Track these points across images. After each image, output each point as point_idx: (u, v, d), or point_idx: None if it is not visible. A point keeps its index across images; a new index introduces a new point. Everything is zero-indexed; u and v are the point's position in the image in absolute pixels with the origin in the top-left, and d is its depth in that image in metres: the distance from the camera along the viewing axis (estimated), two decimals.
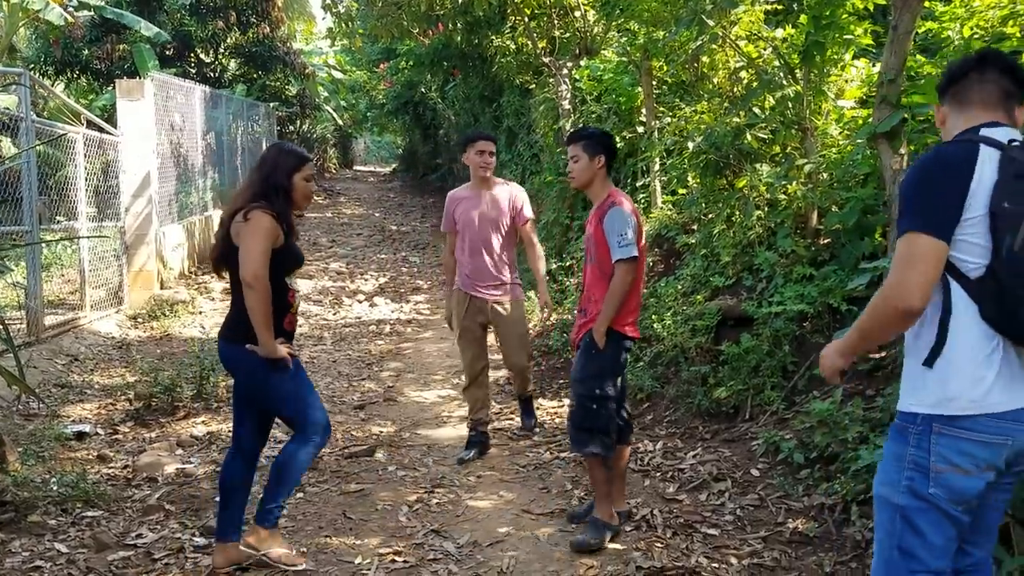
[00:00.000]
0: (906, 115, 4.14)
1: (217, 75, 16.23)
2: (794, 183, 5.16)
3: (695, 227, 6.23)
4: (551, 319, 4.84)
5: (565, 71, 9.24)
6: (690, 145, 5.89)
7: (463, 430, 5.21)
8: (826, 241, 4.95)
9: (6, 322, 4.71)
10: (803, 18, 5.07)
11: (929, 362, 2.02)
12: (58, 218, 8.25)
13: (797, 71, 5.21)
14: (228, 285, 3.46)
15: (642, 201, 7.18)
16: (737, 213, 5.50)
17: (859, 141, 4.74)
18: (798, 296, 4.60)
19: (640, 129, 7.47)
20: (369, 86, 23.08)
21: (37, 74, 13.45)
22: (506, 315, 4.92)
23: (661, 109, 7.21)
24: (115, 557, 3.53)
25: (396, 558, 3.54)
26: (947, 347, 2.01)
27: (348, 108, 24.52)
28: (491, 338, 5.18)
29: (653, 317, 5.53)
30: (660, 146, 6.75)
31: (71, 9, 13.44)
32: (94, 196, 8.87)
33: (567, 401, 5.83)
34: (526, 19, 10.00)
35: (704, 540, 3.59)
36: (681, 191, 6.86)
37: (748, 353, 4.66)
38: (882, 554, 2.13)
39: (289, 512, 4.05)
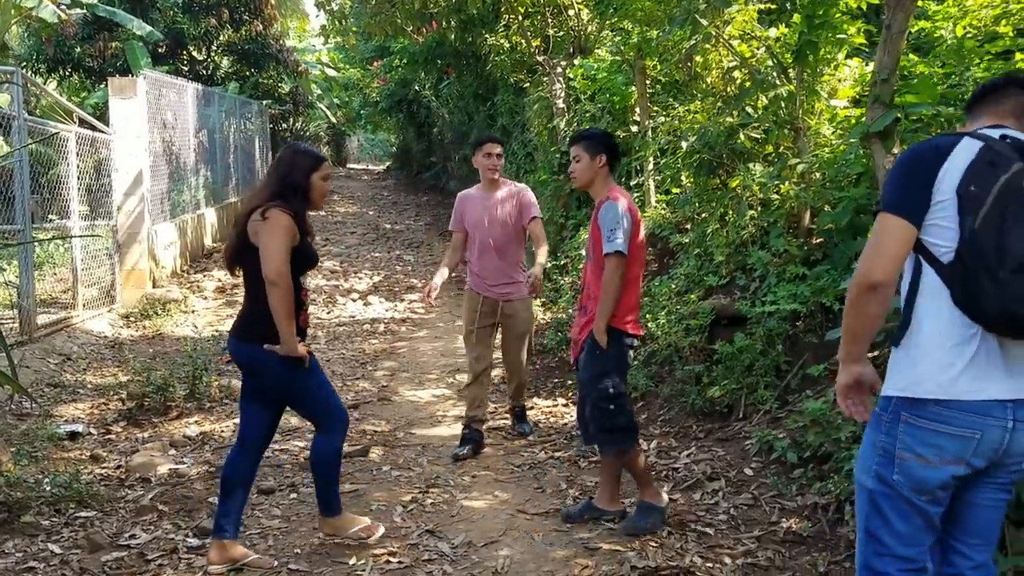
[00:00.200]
0: (899, 114, 4.15)
1: (210, 73, 16.19)
2: (787, 183, 5.16)
3: (688, 226, 6.24)
4: (533, 290, 4.88)
5: (559, 70, 9.24)
6: (683, 144, 5.90)
7: (458, 429, 5.21)
8: (819, 241, 4.96)
9: None
10: (796, 17, 5.07)
11: (896, 340, 2.06)
12: (50, 217, 8.22)
13: (790, 70, 5.22)
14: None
15: (636, 200, 7.17)
16: (730, 212, 5.50)
17: (852, 141, 4.75)
18: (791, 295, 4.62)
19: (634, 128, 7.48)
20: (362, 84, 23.04)
21: (29, 72, 13.40)
22: (514, 312, 5.02)
23: (655, 108, 7.22)
24: (108, 558, 3.52)
25: (391, 559, 3.53)
26: (917, 330, 2.03)
27: (341, 106, 24.48)
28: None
29: (647, 316, 5.54)
30: (654, 145, 6.76)
31: (63, 7, 13.37)
32: (86, 194, 8.84)
33: (561, 400, 5.86)
34: (520, 17, 9.99)
35: (698, 539, 3.59)
36: (675, 190, 6.87)
37: (742, 352, 4.67)
38: (858, 536, 2.19)
39: (282, 513, 4.05)
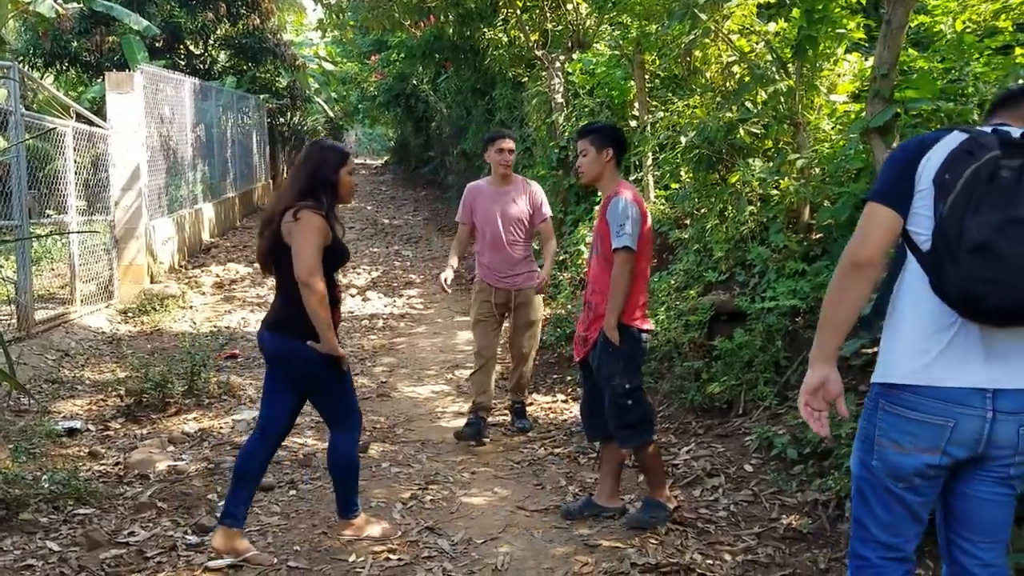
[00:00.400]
0: (899, 110, 4.14)
1: (207, 67, 16.12)
2: (786, 178, 5.16)
3: (688, 222, 6.23)
4: (539, 288, 5.06)
5: (558, 64, 9.21)
6: (683, 139, 5.89)
7: (457, 425, 5.25)
8: (818, 236, 4.95)
9: None
10: (795, 12, 5.06)
11: (866, 324, 2.15)
12: (48, 212, 8.19)
13: (789, 65, 5.21)
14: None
15: None
16: (730, 208, 5.50)
17: (852, 136, 4.74)
18: (791, 291, 4.61)
19: (633, 123, 7.46)
20: (360, 78, 22.96)
21: (26, 67, 13.34)
22: (527, 301, 5.10)
23: (654, 103, 7.21)
24: (107, 555, 3.51)
25: (390, 556, 3.53)
26: (898, 318, 2.07)
27: (339, 100, 24.39)
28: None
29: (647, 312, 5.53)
30: (653, 140, 6.74)
31: (60, 1, 13.32)
32: (84, 190, 8.82)
33: (560, 396, 5.85)
34: (518, 12, 9.96)
35: (698, 536, 3.59)
36: (674, 185, 6.86)
37: (741, 348, 4.67)
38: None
39: (282, 510, 4.04)
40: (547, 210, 5.17)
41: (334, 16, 12.43)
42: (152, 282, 9.46)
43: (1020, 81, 4.19)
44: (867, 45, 5.61)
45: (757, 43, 5.73)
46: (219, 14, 15.22)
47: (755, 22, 5.72)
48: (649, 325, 3.82)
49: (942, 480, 2.08)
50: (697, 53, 6.61)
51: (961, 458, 2.02)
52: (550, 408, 5.66)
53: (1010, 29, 4.82)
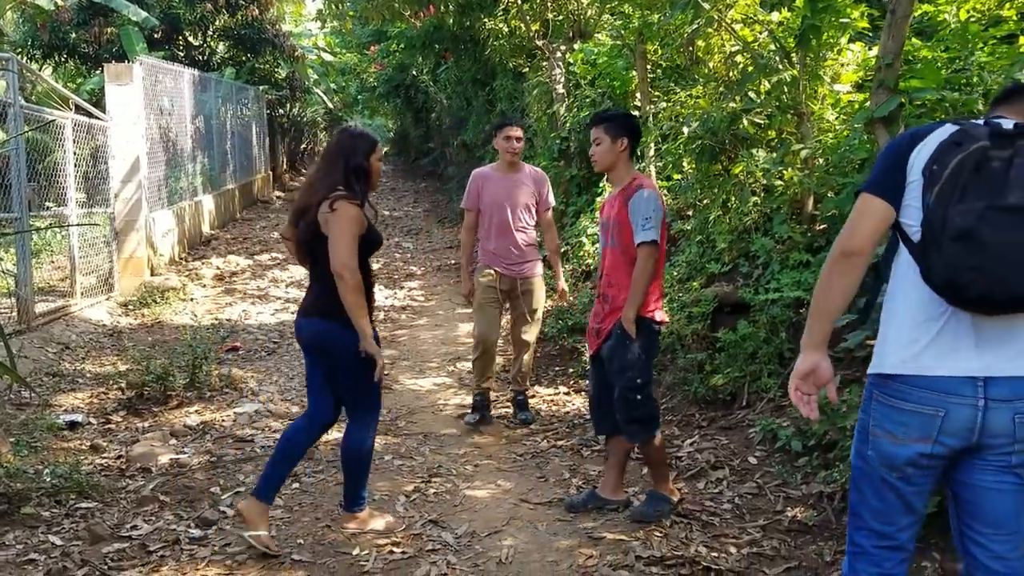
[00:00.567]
0: (903, 99, 4.11)
1: (206, 58, 16.05)
2: (790, 168, 5.12)
3: (690, 213, 6.21)
4: (564, 299, 5.43)
5: (559, 54, 9.16)
6: (685, 130, 5.85)
7: (461, 416, 5.28)
8: (822, 227, 4.92)
9: None
10: (799, 1, 5.02)
11: (863, 317, 2.19)
12: (47, 204, 8.16)
13: (793, 55, 5.17)
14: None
15: None
16: (733, 199, 5.47)
17: (856, 126, 4.71)
18: (795, 282, 4.59)
19: (635, 114, 7.41)
20: (359, 69, 22.87)
21: (25, 58, 13.27)
22: (531, 289, 5.14)
23: (656, 93, 7.17)
24: (110, 549, 3.50)
25: (394, 549, 3.52)
26: (889, 306, 2.11)
27: (338, 91, 24.30)
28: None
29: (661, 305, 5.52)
30: (655, 131, 6.70)
31: None
32: (83, 182, 8.78)
33: (563, 389, 5.83)
34: (519, 1, 9.90)
35: (703, 529, 3.58)
36: (676, 176, 6.82)
37: (745, 340, 4.65)
38: None
39: (285, 503, 4.03)
40: (551, 199, 5.25)
41: (333, 6, 12.39)
42: (152, 274, 9.43)
43: None
44: (871, 34, 5.57)
45: (760, 32, 5.69)
46: (218, 5, 15.14)
47: (758, 11, 5.67)
48: (664, 318, 3.81)
49: (938, 471, 2.08)
50: (700, 43, 6.57)
51: (957, 447, 2.02)
52: (552, 400, 5.64)
53: (1015, 18, 4.78)
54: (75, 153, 8.20)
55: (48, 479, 4.04)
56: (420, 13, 12.07)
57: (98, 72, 12.33)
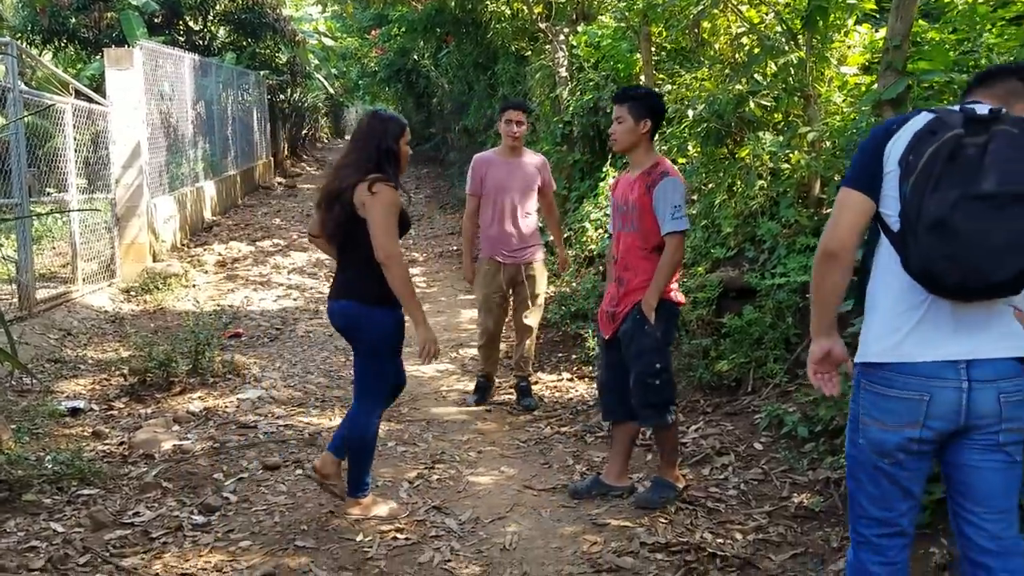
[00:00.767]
0: (911, 82, 4.07)
1: (206, 43, 15.94)
2: (797, 152, 5.07)
3: (696, 197, 6.15)
4: (567, 269, 5.60)
5: (562, 37, 9.08)
6: (690, 113, 5.79)
7: (463, 403, 5.28)
8: (829, 211, 4.86)
9: None
10: None
11: (857, 302, 2.21)
12: (48, 190, 8.12)
13: (800, 36, 5.11)
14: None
15: None
16: (739, 183, 5.42)
17: (863, 108, 4.65)
18: (801, 267, 4.54)
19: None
20: (360, 53, 22.73)
21: (24, 43, 13.20)
22: (533, 274, 5.14)
23: (661, 76, 7.10)
24: (112, 536, 3.48)
25: (398, 535, 3.50)
26: (872, 296, 2.15)
27: (339, 76, 24.17)
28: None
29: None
30: None
31: None
32: (84, 167, 8.73)
33: (566, 375, 5.80)
34: None
35: (708, 515, 3.56)
36: (681, 160, 6.75)
37: (750, 325, 4.61)
38: None
39: (288, 489, 4.01)
40: (552, 183, 5.27)
41: None
42: (154, 261, 9.40)
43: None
44: (878, 16, 5.51)
45: (767, 14, 5.62)
46: None
47: None
48: (682, 298, 3.77)
49: (929, 454, 2.11)
50: (705, 24, 6.50)
51: (945, 430, 2.06)
52: (556, 387, 5.61)
53: None
54: (75, 139, 8.14)
55: (50, 466, 4.02)
56: None
57: (98, 57, 12.26)
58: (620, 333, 3.70)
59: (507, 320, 5.46)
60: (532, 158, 5.20)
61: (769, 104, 5.43)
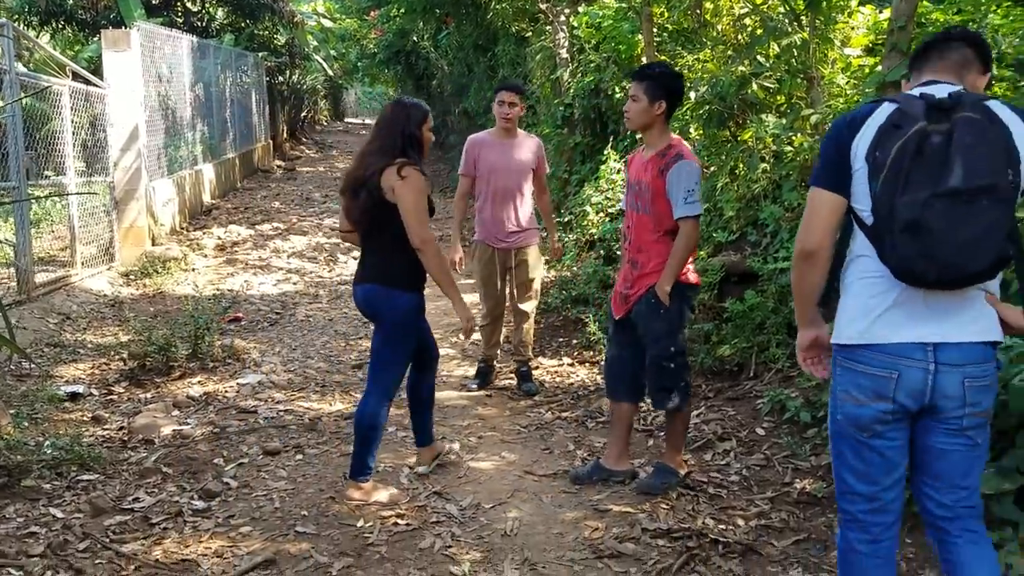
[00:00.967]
0: None
1: (204, 24, 15.82)
2: (800, 134, 5.03)
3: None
4: (559, 256, 5.55)
5: (563, 18, 9.00)
6: (692, 95, 5.74)
7: (464, 388, 5.26)
8: None
9: None
10: None
11: (822, 300, 2.26)
12: (46, 173, 8.07)
13: (803, 18, 5.05)
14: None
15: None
16: (741, 166, 5.38)
17: (868, 91, 4.60)
18: None
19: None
20: (359, 35, 22.61)
21: (21, 25, 13.09)
22: (527, 258, 5.10)
23: (663, 58, 7.02)
24: (112, 521, 3.47)
25: (399, 521, 3.49)
26: (847, 280, 2.21)
27: (338, 58, 24.05)
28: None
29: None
30: None
31: None
32: (82, 150, 8.68)
33: (567, 360, 5.78)
34: None
35: (710, 501, 3.55)
36: None
37: (752, 310, 4.59)
38: None
39: (288, 474, 4.00)
40: (546, 166, 5.25)
41: None
42: (153, 244, 9.37)
43: None
44: None
45: None
46: None
47: None
48: (697, 279, 3.75)
49: (906, 424, 2.17)
50: (708, 5, 6.44)
51: (912, 408, 2.13)
52: (556, 372, 5.60)
53: None
54: (73, 121, 8.09)
55: (49, 451, 4.00)
56: None
57: (96, 39, 12.16)
58: (633, 315, 3.67)
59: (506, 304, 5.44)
60: (527, 140, 5.14)
61: (772, 86, 5.38)
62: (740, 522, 3.35)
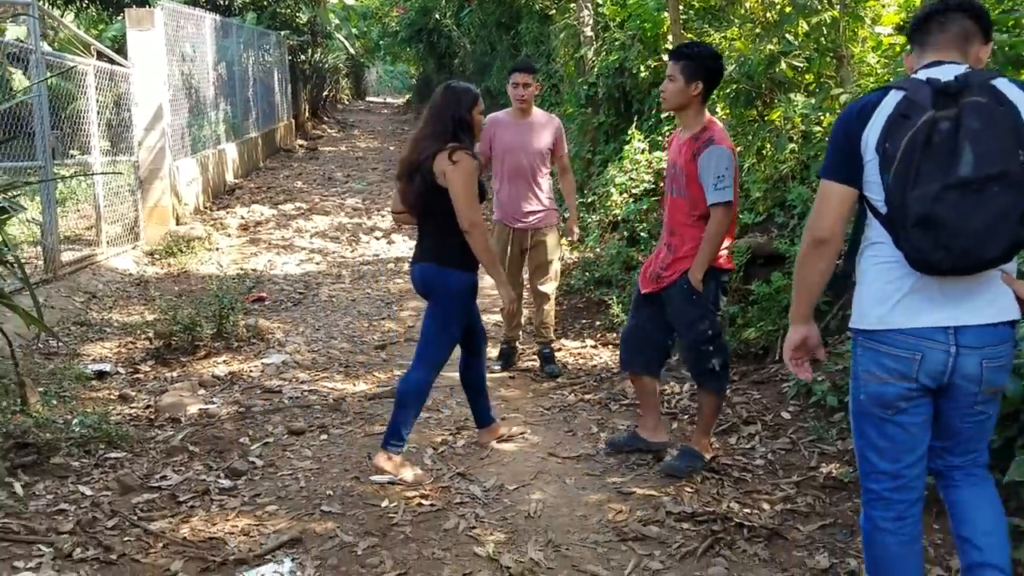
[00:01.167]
0: None
1: (227, 3, 15.81)
2: (829, 114, 4.95)
3: None
4: (575, 238, 5.38)
5: None
6: None
7: (487, 369, 5.19)
8: None
9: (22, 260, 4.65)
10: None
11: (833, 286, 2.34)
12: (71, 152, 8.12)
13: None
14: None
15: (668, 134, 6.96)
16: (768, 146, 5.31)
17: (899, 70, 4.52)
18: None
19: (666, 57, 7.19)
20: (381, 13, 22.53)
21: (46, 4, 13.15)
22: (544, 239, 5.08)
23: (689, 36, 6.93)
24: (139, 499, 3.50)
25: (423, 501, 3.50)
26: (863, 266, 2.24)
27: (360, 36, 23.98)
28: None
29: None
30: None
31: None
32: (107, 130, 8.72)
33: (589, 342, 5.76)
34: None
35: (735, 485, 3.53)
36: None
37: (779, 292, 4.54)
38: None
39: (313, 454, 4.02)
40: (565, 146, 5.21)
41: None
42: (177, 224, 9.42)
43: None
44: None
45: None
46: None
47: None
48: (731, 265, 3.72)
49: (929, 400, 2.21)
50: None
51: (932, 387, 2.18)
52: (580, 354, 5.58)
53: None
54: (98, 100, 8.12)
55: (77, 429, 4.04)
56: None
57: (120, 18, 12.20)
58: (664, 297, 3.65)
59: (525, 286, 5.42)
60: (544, 120, 5.10)
61: (801, 65, 5.30)
62: (765, 506, 3.33)
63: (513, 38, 12.56)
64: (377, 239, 9.72)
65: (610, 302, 5.81)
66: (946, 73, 2.08)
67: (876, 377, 2.20)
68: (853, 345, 2.29)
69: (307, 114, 20.16)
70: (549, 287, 5.18)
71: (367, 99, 33.36)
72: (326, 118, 22.15)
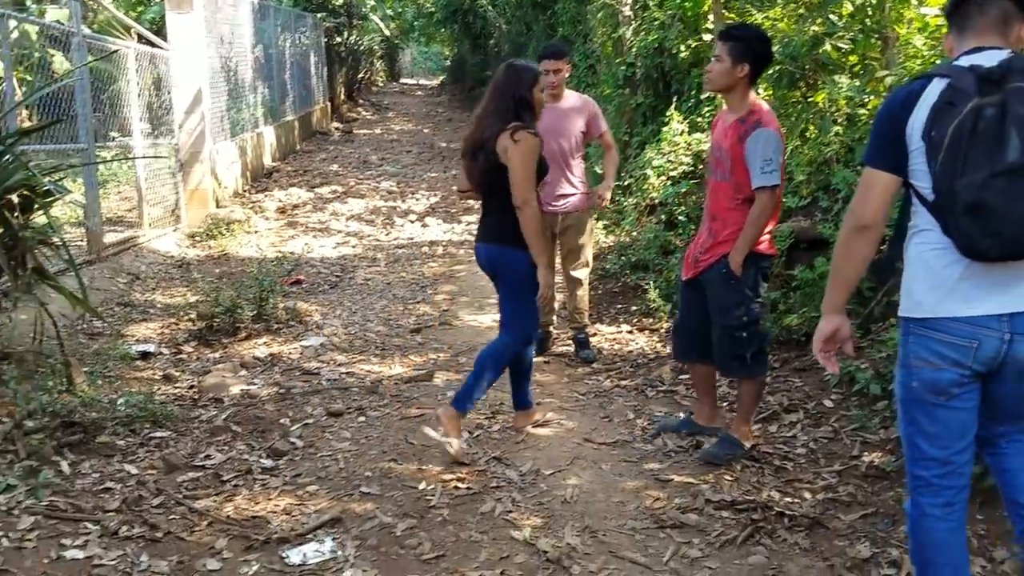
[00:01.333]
0: None
1: None
2: (874, 96, 4.84)
3: None
4: (604, 201, 5.22)
5: None
6: None
7: None
8: None
9: (67, 242, 4.73)
10: None
11: (876, 269, 2.42)
12: (112, 135, 8.24)
13: None
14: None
15: (708, 115, 6.87)
16: (812, 128, 5.21)
17: (945, 52, 4.40)
18: None
19: (707, 37, 7.09)
20: None
21: None
22: (575, 223, 5.05)
23: (730, 16, 6.82)
24: (184, 478, 3.56)
25: (459, 484, 3.51)
26: (912, 259, 2.22)
27: (395, 17, 23.97)
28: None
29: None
30: None
31: None
32: (147, 112, 8.83)
33: (625, 327, 5.73)
34: None
35: (776, 473, 3.50)
36: None
37: (822, 278, 4.46)
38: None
39: (352, 435, 4.06)
40: (603, 124, 5.13)
41: None
42: (217, 206, 9.53)
43: None
44: None
45: None
46: None
47: None
48: (773, 251, 3.68)
49: (979, 385, 2.20)
50: None
51: (984, 372, 2.18)
52: (615, 339, 5.55)
53: None
54: (138, 83, 8.21)
55: (122, 409, 4.12)
56: None
57: (158, 0, 12.30)
58: (703, 280, 3.63)
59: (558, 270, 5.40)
60: (576, 102, 5.05)
61: (845, 46, 5.19)
62: (807, 495, 3.29)
63: (549, 18, 12.46)
64: (412, 222, 9.75)
65: (647, 287, 5.76)
66: (989, 59, 2.06)
67: (930, 363, 2.19)
68: (902, 332, 2.27)
69: (342, 97, 20.23)
70: (581, 272, 5.15)
71: (401, 81, 33.36)
72: (361, 100, 22.20)
